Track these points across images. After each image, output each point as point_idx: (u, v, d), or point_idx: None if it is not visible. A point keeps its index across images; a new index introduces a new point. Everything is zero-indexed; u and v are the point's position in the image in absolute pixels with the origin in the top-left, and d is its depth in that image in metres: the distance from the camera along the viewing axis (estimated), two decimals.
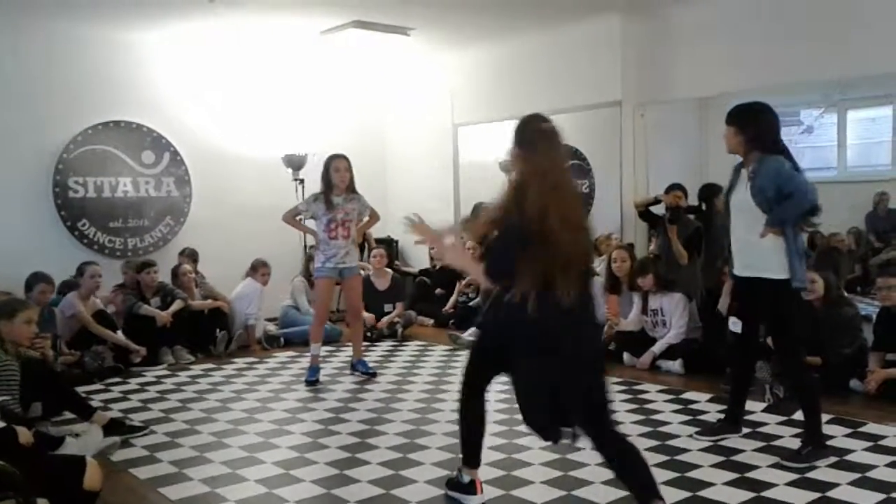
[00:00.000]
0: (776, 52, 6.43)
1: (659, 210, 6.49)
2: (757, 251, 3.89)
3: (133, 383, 5.94)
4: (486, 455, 4.03)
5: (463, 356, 6.66)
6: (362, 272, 8.21)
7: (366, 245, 8.68)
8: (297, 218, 6.01)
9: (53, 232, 7.36)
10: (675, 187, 6.41)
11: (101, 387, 5.82)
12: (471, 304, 8.19)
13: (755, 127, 3.91)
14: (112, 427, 4.42)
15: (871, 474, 3.62)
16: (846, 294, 5.75)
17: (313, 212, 5.84)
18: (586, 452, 3.95)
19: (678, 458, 3.91)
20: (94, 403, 4.90)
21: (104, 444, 4.04)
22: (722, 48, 6.82)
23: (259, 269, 7.42)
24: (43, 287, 6.06)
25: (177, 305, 6.79)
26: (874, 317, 5.32)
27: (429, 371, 6.11)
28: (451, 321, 8.02)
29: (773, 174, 3.79)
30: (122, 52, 7.75)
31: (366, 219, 6.03)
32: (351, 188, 5.85)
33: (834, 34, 6.11)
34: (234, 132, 8.52)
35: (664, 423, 4.52)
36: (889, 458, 3.82)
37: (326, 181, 5.80)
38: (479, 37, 8.09)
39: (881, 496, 3.35)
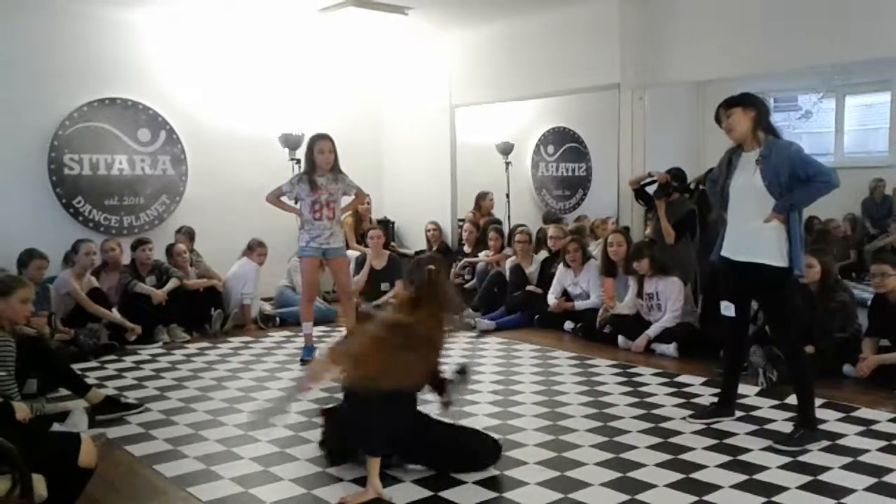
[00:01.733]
0: (775, 37, 6.41)
1: (653, 189, 6.48)
2: (759, 237, 3.87)
3: (128, 361, 5.94)
4: None
5: (457, 338, 6.68)
6: (351, 252, 8.23)
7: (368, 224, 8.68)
8: (282, 198, 5.94)
9: (48, 209, 7.32)
10: (673, 171, 6.38)
11: (97, 364, 5.83)
12: (466, 286, 8.20)
13: (760, 108, 3.90)
14: (106, 405, 4.43)
15: (863, 458, 3.65)
16: (841, 280, 5.76)
17: (297, 192, 5.77)
18: (584, 451, 3.99)
19: (672, 440, 3.93)
20: (89, 381, 4.89)
21: (88, 434, 4.01)
22: (721, 32, 6.79)
23: (255, 249, 7.41)
24: (39, 263, 6.04)
25: (172, 284, 6.79)
26: (868, 303, 5.34)
27: None
28: None
29: (791, 158, 3.77)
30: (118, 29, 7.69)
31: (350, 198, 5.97)
32: (335, 168, 5.79)
33: (833, 19, 6.09)
34: (230, 111, 8.47)
35: (658, 406, 4.54)
36: (880, 443, 3.85)
37: (310, 162, 5.72)
38: (478, 17, 8.05)
39: (872, 480, 3.37)
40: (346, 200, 6.06)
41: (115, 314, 6.45)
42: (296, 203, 5.94)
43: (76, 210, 7.45)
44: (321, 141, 5.72)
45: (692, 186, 6.41)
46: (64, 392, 4.66)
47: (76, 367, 5.14)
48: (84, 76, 7.50)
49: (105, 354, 6.08)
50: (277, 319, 7.36)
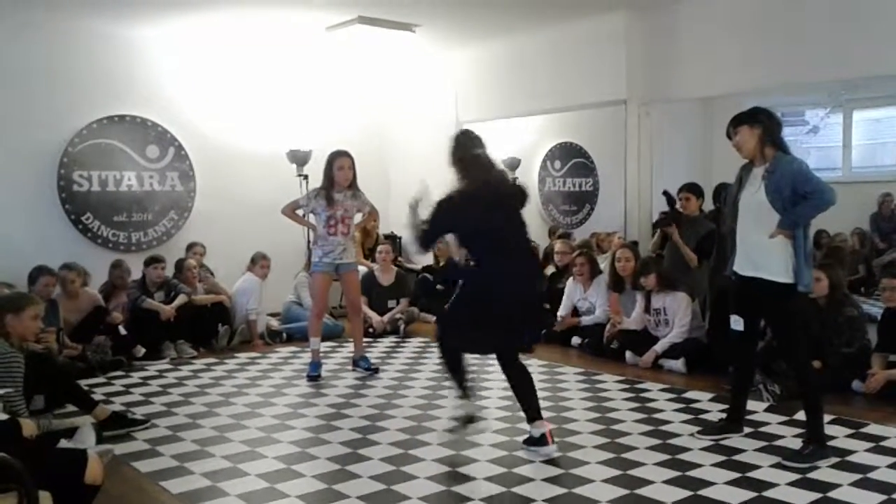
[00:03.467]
0: (782, 52, 6.42)
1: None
2: (764, 252, 3.87)
3: (135, 377, 5.95)
4: (486, 452, 4.05)
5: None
6: (362, 267, 8.22)
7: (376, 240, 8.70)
8: (297, 212, 6.00)
9: (58, 225, 7.37)
10: (688, 187, 6.31)
11: (104, 380, 5.84)
12: None
13: (768, 124, 3.91)
14: (113, 421, 4.44)
15: (873, 475, 3.62)
16: (850, 294, 5.74)
17: (313, 207, 5.82)
18: (592, 467, 3.97)
19: (679, 457, 3.90)
20: (96, 397, 4.92)
21: (95, 450, 4.01)
22: (727, 47, 6.81)
23: (258, 262, 7.43)
24: (47, 280, 6.06)
25: (180, 300, 6.80)
26: (878, 318, 5.31)
27: (430, 368, 6.11)
28: None
29: (792, 174, 3.78)
30: (127, 47, 7.76)
31: (363, 215, 6.00)
32: (353, 185, 5.84)
33: (840, 34, 6.09)
34: (238, 127, 8.52)
35: (666, 423, 4.51)
36: (890, 459, 3.82)
37: (329, 177, 5.78)
38: (485, 34, 8.09)
39: (882, 497, 3.34)
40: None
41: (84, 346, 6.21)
42: (305, 216, 5.98)
43: (85, 226, 7.49)
44: (341, 157, 5.77)
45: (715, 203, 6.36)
46: (71, 408, 4.66)
47: (83, 382, 5.15)
48: (93, 94, 7.57)
49: (112, 370, 6.09)
50: (284, 335, 7.37)
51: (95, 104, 7.58)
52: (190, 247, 7.64)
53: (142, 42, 7.83)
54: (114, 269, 6.90)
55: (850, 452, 3.92)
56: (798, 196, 3.76)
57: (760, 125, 3.90)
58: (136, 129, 7.82)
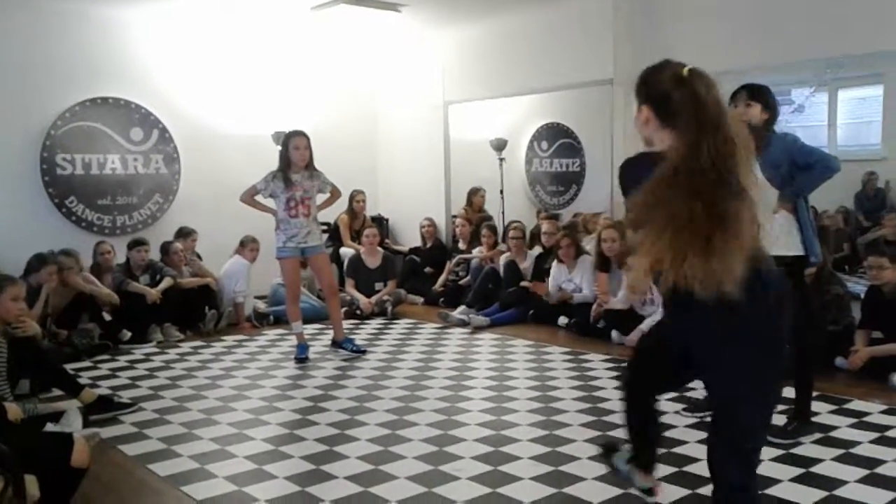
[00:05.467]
0: (768, 31, 6.41)
1: None
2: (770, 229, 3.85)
3: (122, 360, 5.93)
4: (473, 432, 4.06)
5: (452, 334, 6.68)
6: (347, 249, 8.21)
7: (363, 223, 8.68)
8: (256, 197, 5.90)
9: (41, 209, 7.30)
10: None
11: (90, 364, 5.82)
12: (460, 282, 8.20)
13: (774, 112, 3.91)
14: (100, 404, 4.42)
15: (856, 450, 3.66)
16: (835, 272, 5.77)
17: (272, 190, 5.77)
18: (578, 445, 3.99)
19: (665, 434, 3.93)
20: (83, 381, 4.89)
21: (82, 434, 4.00)
22: (714, 27, 6.79)
23: (248, 245, 7.39)
24: (50, 269, 5.92)
25: (166, 283, 6.76)
26: (862, 295, 5.35)
27: (418, 349, 6.13)
28: (441, 299, 8.03)
29: (788, 148, 3.76)
30: (110, 27, 7.66)
31: (326, 196, 5.96)
32: (310, 165, 5.79)
33: (826, 13, 6.09)
34: (223, 109, 8.45)
35: None
36: (873, 435, 3.86)
37: (285, 158, 5.74)
38: (471, 13, 8.04)
39: (865, 472, 3.39)
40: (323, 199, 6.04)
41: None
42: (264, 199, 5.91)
43: (69, 210, 7.43)
44: (296, 137, 5.74)
45: None
46: (57, 392, 4.65)
47: (70, 366, 5.13)
48: (76, 75, 7.48)
49: (99, 354, 6.06)
50: (271, 317, 7.35)
51: (78, 86, 7.49)
52: (188, 234, 7.51)
53: (125, 23, 7.74)
54: (97, 253, 6.83)
55: (834, 428, 3.97)
56: (797, 169, 3.76)
57: (770, 111, 3.88)
58: (120, 111, 7.74)
